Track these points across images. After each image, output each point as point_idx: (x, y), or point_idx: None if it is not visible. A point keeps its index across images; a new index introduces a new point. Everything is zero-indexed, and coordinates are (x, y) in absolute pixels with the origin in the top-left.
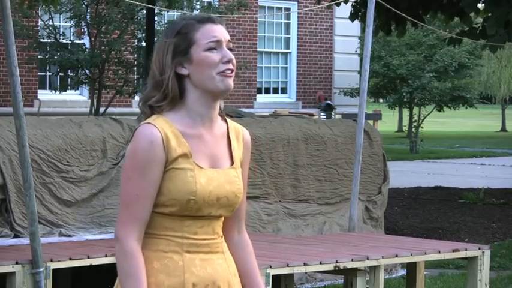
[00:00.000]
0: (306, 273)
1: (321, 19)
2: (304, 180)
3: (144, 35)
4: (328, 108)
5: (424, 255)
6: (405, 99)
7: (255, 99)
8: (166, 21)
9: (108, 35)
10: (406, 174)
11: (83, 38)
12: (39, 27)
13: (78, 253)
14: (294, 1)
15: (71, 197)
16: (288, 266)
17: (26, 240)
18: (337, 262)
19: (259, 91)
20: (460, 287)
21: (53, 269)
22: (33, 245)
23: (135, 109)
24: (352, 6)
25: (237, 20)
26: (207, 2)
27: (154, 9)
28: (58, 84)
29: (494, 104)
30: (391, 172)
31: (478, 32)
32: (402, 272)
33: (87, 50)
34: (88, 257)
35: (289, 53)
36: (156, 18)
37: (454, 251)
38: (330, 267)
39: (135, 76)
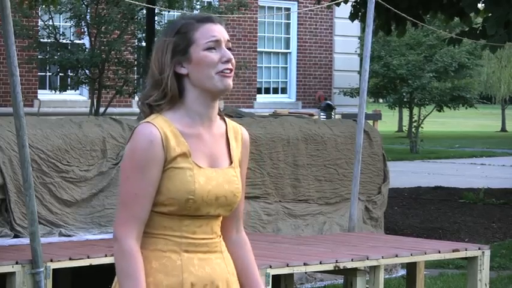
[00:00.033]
0: (306, 273)
1: (321, 19)
2: (304, 180)
3: (144, 35)
4: (328, 108)
5: (424, 255)
6: (405, 99)
7: (255, 99)
8: (166, 21)
9: (108, 35)
10: (406, 174)
11: (83, 38)
12: (39, 27)
13: (78, 253)
14: (294, 1)
15: (71, 197)
16: (288, 266)
17: (26, 240)
18: (337, 262)
19: (259, 91)
20: (460, 287)
21: (53, 269)
22: (33, 245)
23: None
24: (352, 6)
25: (237, 20)
26: (207, 2)
27: (154, 9)
28: (58, 84)
29: (494, 104)
30: (391, 172)
31: (478, 32)
32: (402, 272)
33: (87, 50)
34: (88, 257)
35: (289, 53)
36: (156, 18)
37: (454, 251)
38: (330, 267)
39: (135, 76)
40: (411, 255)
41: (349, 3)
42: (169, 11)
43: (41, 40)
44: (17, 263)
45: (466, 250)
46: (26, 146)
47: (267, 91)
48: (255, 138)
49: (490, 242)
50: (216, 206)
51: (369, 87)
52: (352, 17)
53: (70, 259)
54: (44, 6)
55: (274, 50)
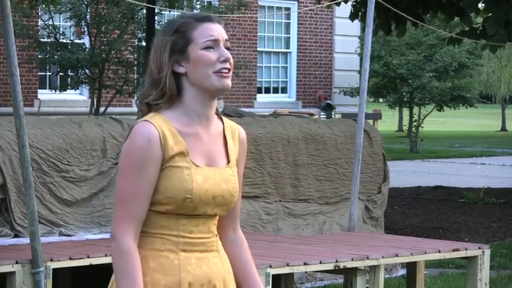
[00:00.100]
0: (306, 272)
1: (321, 19)
2: (304, 180)
3: (144, 34)
4: (328, 108)
5: (424, 254)
6: (405, 99)
7: (255, 98)
8: (166, 21)
9: (108, 34)
10: (406, 174)
11: (83, 38)
12: (39, 27)
13: (78, 253)
14: (294, 1)
15: (71, 196)
16: (288, 265)
17: (26, 240)
18: (337, 262)
19: (259, 91)
20: (460, 286)
21: (53, 269)
22: (33, 244)
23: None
24: (352, 5)
25: (237, 20)
26: (207, 1)
27: (154, 8)
28: (58, 83)
29: (494, 104)
30: (391, 172)
31: (478, 32)
32: (402, 271)
33: (87, 50)
34: (88, 257)
35: (289, 52)
36: (156, 18)
37: (454, 250)
38: (330, 266)
39: (135, 76)
40: (411, 254)
41: (349, 3)
42: (169, 11)
43: (41, 40)
44: (17, 262)
45: (466, 250)
46: (26, 145)
47: (267, 91)
48: (255, 137)
49: (490, 242)
50: (213, 205)
51: (369, 86)
52: (352, 16)
53: (70, 259)
54: (44, 6)
55: (275, 50)
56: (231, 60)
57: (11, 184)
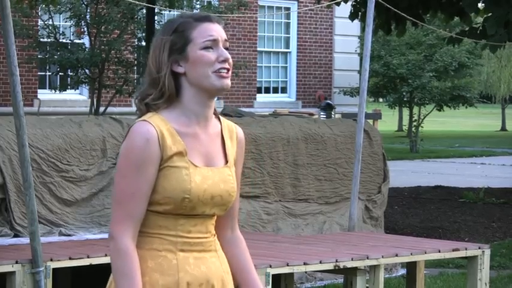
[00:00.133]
0: (306, 272)
1: (320, 18)
2: (304, 180)
3: (144, 34)
4: (328, 108)
5: (424, 254)
6: (405, 99)
7: (255, 98)
8: (166, 21)
9: (108, 34)
10: (406, 174)
11: (82, 38)
12: (39, 27)
13: (78, 252)
14: (294, 1)
15: (71, 196)
16: (288, 265)
17: (25, 240)
18: (337, 261)
19: (259, 91)
20: (460, 286)
21: (53, 269)
22: (33, 244)
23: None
24: (352, 5)
25: (237, 20)
26: (207, 1)
27: (154, 8)
28: (58, 83)
29: (494, 104)
30: (391, 171)
31: (478, 31)
32: (402, 271)
33: (87, 50)
34: (88, 257)
35: (289, 52)
36: (156, 17)
37: (454, 250)
38: (330, 266)
39: (135, 75)
40: (411, 254)
41: (349, 3)
42: (169, 11)
43: (41, 40)
44: (17, 262)
45: (466, 249)
46: (26, 145)
47: (267, 91)
48: (255, 137)
49: (490, 241)
50: (211, 205)
51: (368, 86)
52: (352, 16)
53: (70, 258)
54: (43, 5)
55: (274, 50)
56: (230, 61)
57: (10, 184)
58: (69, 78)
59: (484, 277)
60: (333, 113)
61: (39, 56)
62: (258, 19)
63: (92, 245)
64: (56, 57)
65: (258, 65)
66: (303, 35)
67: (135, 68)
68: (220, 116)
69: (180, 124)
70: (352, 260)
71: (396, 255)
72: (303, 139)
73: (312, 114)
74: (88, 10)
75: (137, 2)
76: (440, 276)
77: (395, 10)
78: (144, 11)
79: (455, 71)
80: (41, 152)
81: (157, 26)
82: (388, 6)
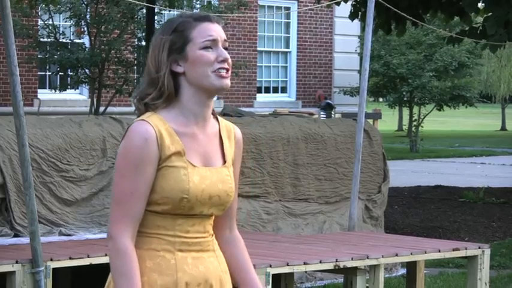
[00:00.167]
0: (306, 272)
1: (320, 18)
2: (304, 180)
3: (144, 34)
4: (328, 108)
5: (424, 254)
6: (405, 99)
7: (255, 98)
8: (165, 20)
9: (108, 34)
10: (406, 174)
11: (82, 38)
12: (39, 27)
13: (78, 252)
14: (294, 0)
15: (71, 196)
16: (288, 265)
17: (26, 240)
18: (337, 261)
19: (259, 90)
20: (460, 286)
21: (53, 268)
22: (33, 244)
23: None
24: (352, 5)
25: (237, 19)
26: (207, 1)
27: (154, 8)
28: (58, 83)
29: (494, 103)
30: (391, 171)
31: (478, 31)
32: (402, 271)
33: (87, 50)
34: (88, 256)
35: (289, 52)
36: (156, 17)
37: (454, 250)
38: (330, 266)
39: (135, 75)
40: (411, 254)
41: (349, 3)
42: (169, 10)
43: (41, 39)
44: (17, 262)
45: (466, 249)
46: (26, 145)
47: (267, 90)
48: (255, 137)
49: (490, 241)
50: (209, 205)
51: (368, 86)
52: (352, 16)
53: (70, 258)
54: (43, 5)
55: (274, 49)
56: (229, 61)
57: (10, 184)
58: (69, 78)
59: (484, 277)
60: (333, 112)
61: (39, 56)
62: (258, 19)
63: (92, 245)
64: (56, 57)
65: (258, 64)
66: (303, 34)
67: (135, 67)
68: (218, 116)
69: (179, 124)
70: (352, 259)
71: (396, 255)
72: (303, 139)
73: (312, 114)
74: (88, 10)
75: (137, 2)
76: (440, 276)
77: (395, 10)
78: (144, 10)
79: (455, 70)
80: (41, 151)
81: (157, 26)
82: (388, 5)
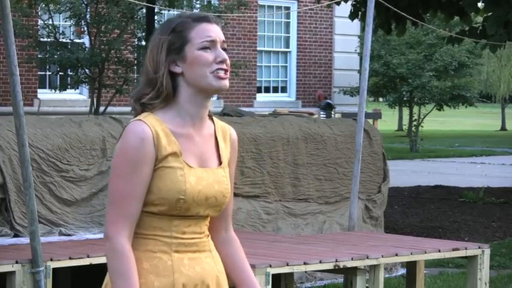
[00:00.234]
0: (305, 272)
1: (320, 18)
2: (304, 179)
3: (144, 34)
4: (328, 107)
5: (424, 254)
6: (405, 98)
7: (254, 98)
8: (164, 20)
9: (108, 34)
10: (406, 173)
11: (82, 37)
12: (39, 27)
13: (78, 252)
14: (294, 0)
15: (71, 196)
16: (288, 265)
17: (25, 240)
18: (337, 261)
19: (259, 90)
20: (460, 286)
21: (53, 268)
22: (33, 244)
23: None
24: (352, 5)
25: (236, 19)
26: (206, 1)
27: (154, 8)
28: (58, 83)
29: (494, 103)
30: (391, 171)
31: (478, 31)
32: (402, 271)
33: (87, 49)
34: (88, 256)
35: (289, 52)
36: (156, 17)
37: (454, 250)
38: (330, 266)
39: (135, 75)
40: (411, 254)
41: (349, 2)
42: (169, 10)
43: (41, 39)
44: (17, 262)
45: (466, 249)
46: (26, 145)
47: (267, 90)
48: (255, 137)
49: (490, 241)
50: (205, 206)
51: (368, 86)
52: (352, 16)
53: (70, 258)
54: (43, 5)
55: (274, 49)
56: (228, 62)
57: (10, 184)
58: (69, 78)
59: (484, 277)
60: (332, 112)
61: (39, 56)
62: (258, 19)
63: (92, 245)
64: (56, 56)
65: (258, 64)
66: (302, 34)
67: (135, 67)
68: (213, 117)
69: (175, 125)
70: (352, 259)
71: (396, 255)
72: (302, 139)
73: (311, 114)
74: (88, 10)
75: (137, 2)
76: (440, 276)
77: (395, 9)
78: (144, 10)
79: (455, 70)
80: (41, 151)
81: (157, 26)
82: (388, 5)
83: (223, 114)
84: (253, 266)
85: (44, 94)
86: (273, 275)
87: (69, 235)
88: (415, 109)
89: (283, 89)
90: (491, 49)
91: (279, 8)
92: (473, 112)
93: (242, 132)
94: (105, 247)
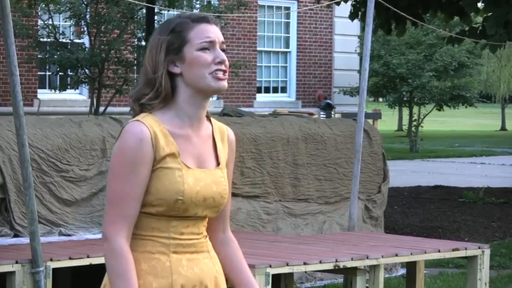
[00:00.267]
0: (305, 272)
1: (320, 18)
2: (304, 180)
3: (143, 34)
4: (328, 108)
5: (424, 254)
6: (405, 99)
7: (254, 98)
8: (164, 21)
9: (108, 34)
10: (405, 174)
11: (82, 38)
12: (38, 27)
13: (78, 252)
14: (294, 0)
15: (71, 196)
16: (287, 265)
17: (25, 240)
18: (337, 261)
19: (259, 90)
20: (460, 286)
21: (53, 269)
22: (33, 244)
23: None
24: (352, 5)
25: (236, 19)
26: (206, 1)
27: (154, 8)
28: (58, 83)
29: (494, 103)
30: (390, 171)
31: (477, 31)
32: (402, 271)
33: (86, 50)
34: (88, 256)
35: (289, 52)
36: (155, 17)
37: (453, 250)
38: (330, 266)
39: (135, 75)
40: (411, 254)
41: (349, 3)
42: (169, 10)
43: (41, 39)
44: (16, 262)
45: (465, 249)
46: (26, 145)
47: (267, 90)
48: (255, 137)
49: (490, 241)
50: (203, 207)
51: (368, 86)
52: (352, 16)
53: (70, 258)
54: (43, 5)
55: (274, 49)
56: (227, 63)
57: (10, 184)
58: (69, 78)
59: (483, 277)
60: (332, 112)
61: (39, 56)
62: (258, 19)
63: (91, 245)
64: (55, 57)
65: (257, 64)
66: (302, 34)
67: (135, 67)
68: (211, 118)
69: (173, 126)
70: (352, 259)
71: (396, 255)
72: (302, 139)
73: (311, 114)
74: (88, 10)
75: (137, 2)
76: (440, 276)
77: (395, 10)
78: (144, 10)
79: (455, 70)
80: (40, 151)
81: (157, 26)
82: (388, 5)
83: (223, 115)
84: (253, 266)
85: (43, 94)
86: (272, 275)
87: (69, 235)
88: (415, 109)
89: (283, 89)
90: (491, 49)
91: (279, 8)
92: (473, 112)
93: (242, 132)
94: (104, 248)
